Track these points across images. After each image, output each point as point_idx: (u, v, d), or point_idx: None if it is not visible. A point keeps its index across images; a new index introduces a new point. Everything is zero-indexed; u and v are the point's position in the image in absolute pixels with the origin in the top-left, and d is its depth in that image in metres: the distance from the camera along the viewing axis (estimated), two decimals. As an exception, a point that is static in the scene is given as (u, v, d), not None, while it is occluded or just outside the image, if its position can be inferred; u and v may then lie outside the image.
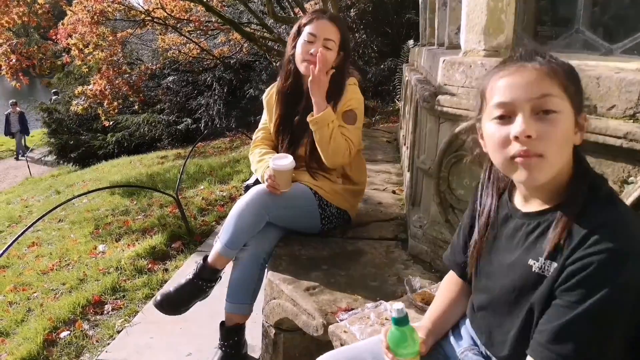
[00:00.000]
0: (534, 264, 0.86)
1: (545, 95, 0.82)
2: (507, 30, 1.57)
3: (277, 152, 2.05)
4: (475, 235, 1.04)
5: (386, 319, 1.45)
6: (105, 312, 2.72)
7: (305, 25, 1.88)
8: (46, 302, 2.94)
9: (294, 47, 1.91)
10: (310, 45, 1.84)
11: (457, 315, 1.13)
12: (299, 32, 1.90)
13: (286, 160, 1.81)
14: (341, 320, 1.47)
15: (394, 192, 2.72)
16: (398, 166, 3.35)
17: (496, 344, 0.95)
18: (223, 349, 1.90)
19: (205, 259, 1.87)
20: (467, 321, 1.10)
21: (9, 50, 7.34)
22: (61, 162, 11.81)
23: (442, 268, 1.75)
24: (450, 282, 1.16)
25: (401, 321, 0.92)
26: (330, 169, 1.98)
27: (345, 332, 1.41)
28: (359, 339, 1.35)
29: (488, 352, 1.00)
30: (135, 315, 2.60)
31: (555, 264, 0.83)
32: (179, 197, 3.86)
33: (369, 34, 9.16)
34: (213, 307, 2.59)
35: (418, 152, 1.98)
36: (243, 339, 1.95)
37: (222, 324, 1.93)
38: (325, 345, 1.52)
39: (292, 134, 2.01)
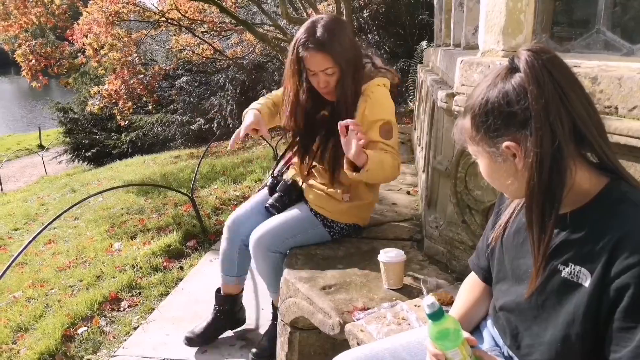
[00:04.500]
0: (564, 269, 0.85)
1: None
2: (526, 31, 1.57)
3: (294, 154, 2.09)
4: (491, 237, 1.05)
5: (403, 318, 1.45)
6: (121, 308, 2.76)
7: (299, 52, 1.80)
8: (64, 299, 2.99)
9: (299, 79, 1.86)
10: (313, 78, 1.84)
11: (478, 316, 1.12)
12: (298, 60, 1.82)
13: (397, 252, 1.66)
14: (358, 320, 1.48)
15: (408, 192, 2.72)
16: (412, 167, 3.34)
17: (524, 346, 0.95)
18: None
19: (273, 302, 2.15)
20: (489, 323, 1.10)
21: (28, 50, 7.46)
22: (76, 161, 11.99)
23: (459, 269, 1.75)
24: (473, 284, 1.16)
25: (436, 315, 0.90)
26: (336, 186, 1.96)
27: (362, 331, 1.42)
28: (376, 339, 1.35)
29: (511, 353, 0.99)
30: (151, 313, 2.63)
31: (587, 272, 0.81)
32: (194, 196, 3.90)
33: (381, 35, 9.16)
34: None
35: (434, 152, 1.98)
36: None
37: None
38: (341, 344, 1.53)
39: (306, 143, 2.00)
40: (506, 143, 0.84)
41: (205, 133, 10.45)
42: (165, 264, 3.25)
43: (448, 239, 1.78)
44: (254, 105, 2.05)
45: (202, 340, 2.23)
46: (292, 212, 1.98)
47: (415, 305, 1.52)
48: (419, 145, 3.13)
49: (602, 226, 0.81)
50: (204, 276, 3.01)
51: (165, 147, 10.80)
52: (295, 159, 2.09)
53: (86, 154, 11.72)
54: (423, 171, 2.43)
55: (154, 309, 2.66)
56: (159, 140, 11.11)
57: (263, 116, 1.96)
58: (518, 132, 0.83)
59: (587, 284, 0.81)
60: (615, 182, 0.84)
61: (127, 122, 9.61)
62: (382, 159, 1.75)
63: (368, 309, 1.54)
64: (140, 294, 2.90)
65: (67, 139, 12.06)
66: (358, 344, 1.37)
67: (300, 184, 2.06)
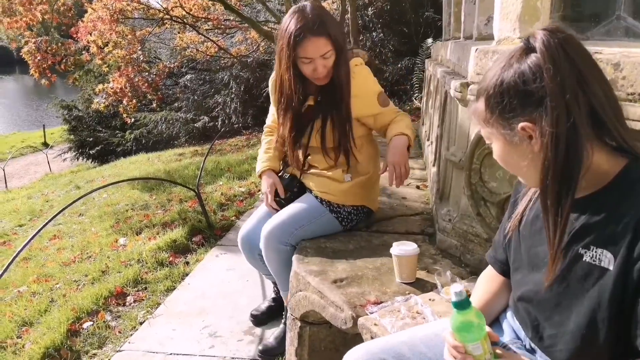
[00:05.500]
0: (585, 253, 0.83)
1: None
2: (543, 17, 1.53)
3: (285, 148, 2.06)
4: (508, 227, 1.02)
5: (417, 312, 1.42)
6: (127, 303, 2.73)
7: (295, 42, 1.74)
8: (69, 293, 2.96)
9: (290, 65, 1.80)
10: (309, 66, 1.79)
11: (496, 309, 1.09)
12: (289, 46, 1.75)
13: (410, 245, 1.62)
14: (371, 313, 1.45)
15: (418, 187, 2.69)
16: (421, 162, 3.31)
17: (546, 337, 0.92)
18: None
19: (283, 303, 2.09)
20: (508, 315, 1.07)
21: (34, 48, 7.46)
22: (80, 158, 12.01)
23: (473, 262, 1.71)
24: (490, 276, 1.13)
25: (462, 304, 0.86)
26: (333, 166, 1.95)
27: (375, 325, 1.38)
28: (390, 332, 1.32)
29: (533, 345, 0.96)
30: (157, 307, 2.60)
31: (610, 255, 0.79)
32: (199, 191, 3.87)
33: (386, 33, 9.11)
34: (235, 300, 2.60)
35: (447, 144, 1.94)
36: None
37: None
38: (352, 338, 1.50)
39: (298, 133, 1.96)
40: (522, 124, 0.82)
41: (209, 131, 10.43)
42: (171, 259, 3.22)
43: (462, 232, 1.74)
44: (265, 160, 2.08)
45: (267, 317, 2.29)
46: (297, 203, 1.96)
47: (429, 299, 1.48)
48: (428, 139, 3.09)
49: (622, 207, 0.79)
50: (210, 271, 2.98)
51: (169, 145, 10.78)
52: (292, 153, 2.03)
53: (90, 152, 11.72)
54: (433, 165, 2.39)
55: (160, 304, 2.64)
56: (163, 138, 11.09)
57: (275, 166, 2.07)
58: (534, 112, 0.81)
59: (611, 267, 0.79)
60: (633, 163, 0.82)
61: (131, 119, 9.61)
62: (406, 122, 1.93)
63: (381, 302, 1.50)
64: (146, 288, 2.88)
65: (72, 136, 12.07)
66: (372, 338, 1.34)
67: (299, 176, 2.04)
